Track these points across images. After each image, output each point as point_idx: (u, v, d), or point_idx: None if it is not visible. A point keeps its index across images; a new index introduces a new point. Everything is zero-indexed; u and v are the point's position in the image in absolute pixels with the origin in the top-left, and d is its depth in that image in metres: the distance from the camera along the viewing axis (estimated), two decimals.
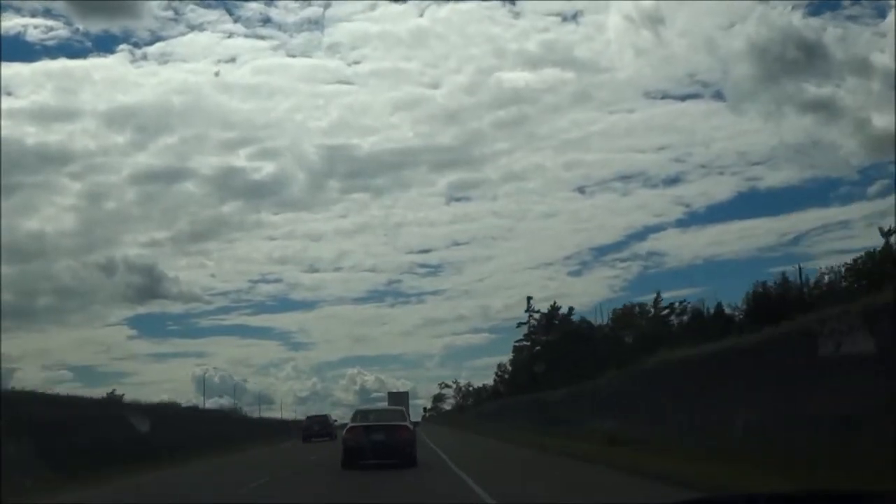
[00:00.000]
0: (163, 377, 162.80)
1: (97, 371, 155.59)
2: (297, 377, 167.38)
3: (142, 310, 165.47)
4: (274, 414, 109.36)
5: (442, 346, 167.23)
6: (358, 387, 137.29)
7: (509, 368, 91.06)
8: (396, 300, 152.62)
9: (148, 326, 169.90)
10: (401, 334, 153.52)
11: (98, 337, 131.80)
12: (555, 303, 77.11)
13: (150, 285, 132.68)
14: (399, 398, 67.99)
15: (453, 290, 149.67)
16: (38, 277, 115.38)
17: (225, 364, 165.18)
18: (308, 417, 57.01)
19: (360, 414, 24.56)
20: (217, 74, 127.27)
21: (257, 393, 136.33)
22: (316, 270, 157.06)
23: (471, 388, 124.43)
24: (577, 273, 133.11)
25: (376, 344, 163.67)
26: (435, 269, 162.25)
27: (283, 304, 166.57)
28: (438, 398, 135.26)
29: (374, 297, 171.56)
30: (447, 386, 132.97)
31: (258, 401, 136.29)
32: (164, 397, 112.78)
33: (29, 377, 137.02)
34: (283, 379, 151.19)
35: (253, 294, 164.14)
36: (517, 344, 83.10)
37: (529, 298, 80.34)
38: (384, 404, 57.48)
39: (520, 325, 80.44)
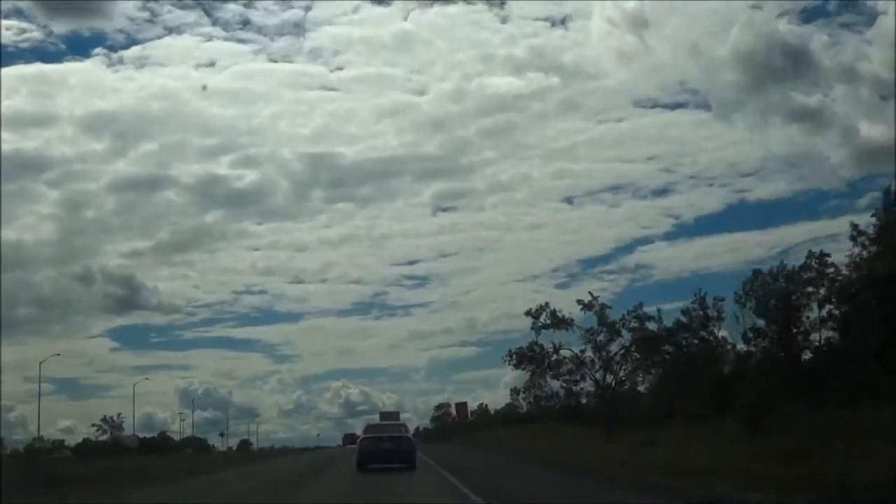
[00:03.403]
0: (147, 390, 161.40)
1: (80, 384, 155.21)
2: (282, 390, 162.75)
3: (124, 321, 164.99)
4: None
5: (428, 359, 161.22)
6: (343, 400, 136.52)
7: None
8: (382, 312, 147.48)
9: (131, 338, 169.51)
10: (387, 347, 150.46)
11: (80, 349, 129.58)
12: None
13: (131, 296, 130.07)
14: (390, 417, 67.40)
15: (440, 302, 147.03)
16: (16, 288, 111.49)
17: (210, 377, 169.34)
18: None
19: (370, 427, 30.28)
20: (205, 88, 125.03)
21: (242, 406, 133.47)
22: (301, 282, 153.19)
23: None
24: (564, 286, 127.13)
25: (362, 357, 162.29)
26: (421, 281, 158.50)
27: (268, 316, 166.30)
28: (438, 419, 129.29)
29: (360, 309, 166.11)
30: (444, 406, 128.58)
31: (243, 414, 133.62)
32: (147, 409, 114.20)
33: (11, 390, 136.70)
34: (268, 392, 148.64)
35: (237, 306, 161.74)
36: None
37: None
38: (375, 417, 58.86)
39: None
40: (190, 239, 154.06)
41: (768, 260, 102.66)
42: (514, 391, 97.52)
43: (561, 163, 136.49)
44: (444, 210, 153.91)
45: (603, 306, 50.05)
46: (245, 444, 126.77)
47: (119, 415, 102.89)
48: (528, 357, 50.82)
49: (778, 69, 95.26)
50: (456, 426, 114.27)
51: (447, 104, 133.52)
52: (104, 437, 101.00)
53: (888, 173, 58.49)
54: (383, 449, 26.80)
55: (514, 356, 51.48)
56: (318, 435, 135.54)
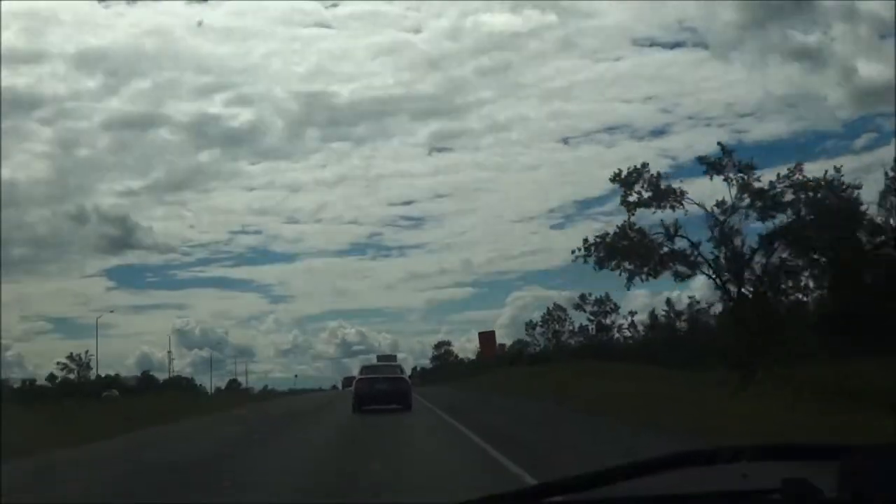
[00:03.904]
0: (142, 329, 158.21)
1: (77, 323, 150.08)
2: (278, 330, 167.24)
3: (119, 261, 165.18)
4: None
5: (424, 300, 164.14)
6: (339, 340, 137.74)
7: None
8: (378, 253, 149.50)
9: (126, 278, 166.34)
10: (383, 288, 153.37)
11: (76, 288, 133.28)
12: None
13: (125, 236, 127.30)
14: (387, 359, 62.45)
15: (435, 243, 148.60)
16: (11, 227, 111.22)
17: (206, 316, 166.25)
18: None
19: (365, 368, 30.06)
20: (200, 24, 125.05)
21: (239, 346, 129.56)
22: (296, 222, 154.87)
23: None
24: (560, 227, 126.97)
25: (358, 297, 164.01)
26: (417, 222, 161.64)
27: (263, 257, 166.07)
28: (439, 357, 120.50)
29: (356, 249, 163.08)
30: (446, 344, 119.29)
31: (240, 354, 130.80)
32: (144, 349, 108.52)
33: (7, 328, 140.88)
34: (264, 332, 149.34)
35: (232, 246, 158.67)
36: None
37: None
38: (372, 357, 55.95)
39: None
40: (184, 178, 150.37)
41: None
42: (530, 325, 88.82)
43: (558, 103, 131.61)
44: (440, 150, 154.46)
45: (747, 166, 31.53)
46: (234, 384, 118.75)
47: (86, 352, 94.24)
48: (621, 250, 32.62)
49: (776, 7, 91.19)
50: (455, 366, 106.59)
51: (443, 42, 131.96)
52: (71, 376, 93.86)
53: (886, 113, 48.96)
54: (379, 390, 26.72)
55: (597, 247, 32.93)
56: (296, 376, 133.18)
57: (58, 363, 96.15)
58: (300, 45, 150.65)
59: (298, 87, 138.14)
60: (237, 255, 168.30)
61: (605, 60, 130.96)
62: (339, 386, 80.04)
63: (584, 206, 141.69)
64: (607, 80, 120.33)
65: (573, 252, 33.75)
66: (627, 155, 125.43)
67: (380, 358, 60.88)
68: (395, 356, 66.95)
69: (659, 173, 32.92)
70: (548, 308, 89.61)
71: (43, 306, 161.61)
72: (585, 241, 33.50)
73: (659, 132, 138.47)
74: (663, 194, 32.04)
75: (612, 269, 32.95)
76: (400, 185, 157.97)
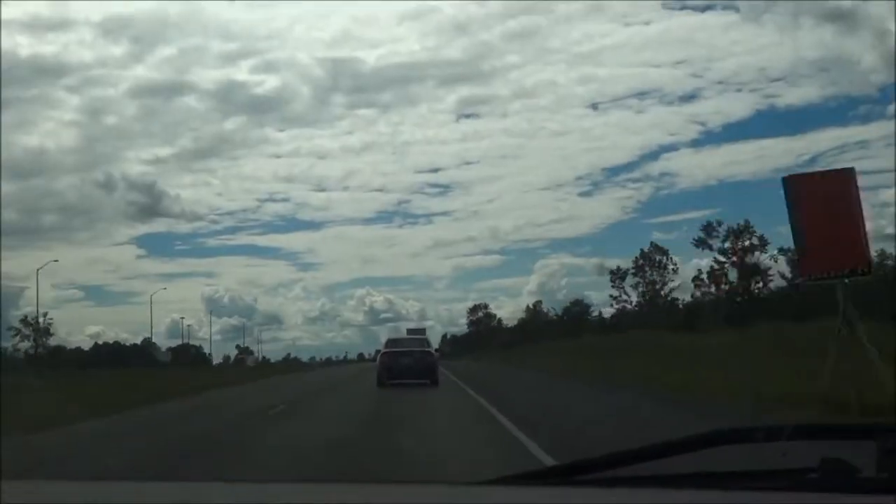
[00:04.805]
0: (173, 297, 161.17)
1: (107, 290, 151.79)
2: (306, 297, 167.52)
3: (147, 229, 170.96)
4: None
5: (451, 267, 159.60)
6: (367, 308, 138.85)
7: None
8: (405, 221, 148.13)
9: (156, 246, 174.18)
10: (410, 255, 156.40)
11: (106, 256, 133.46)
12: None
13: (154, 204, 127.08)
14: (417, 333, 62.25)
15: (462, 210, 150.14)
16: (40, 195, 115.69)
17: (235, 284, 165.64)
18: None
19: (391, 342, 29.10)
20: None
21: (268, 313, 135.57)
22: (323, 189, 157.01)
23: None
24: (587, 194, 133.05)
25: (385, 265, 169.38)
26: (444, 189, 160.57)
27: (291, 224, 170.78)
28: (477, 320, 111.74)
29: (383, 217, 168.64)
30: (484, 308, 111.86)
31: (269, 321, 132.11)
32: (174, 317, 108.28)
33: (40, 296, 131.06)
34: (292, 299, 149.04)
35: (260, 213, 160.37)
36: None
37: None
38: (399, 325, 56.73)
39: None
40: (211, 146, 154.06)
41: (796, 168, 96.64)
42: (617, 273, 73.13)
43: (586, 67, 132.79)
44: (467, 116, 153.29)
45: None
46: (245, 351, 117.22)
47: (46, 315, 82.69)
48: None
49: None
50: (493, 334, 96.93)
51: (470, 6, 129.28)
52: (25, 345, 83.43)
53: None
54: (404, 364, 25.89)
55: None
56: (291, 355, 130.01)
57: (10, 328, 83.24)
58: (325, 10, 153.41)
59: (324, 53, 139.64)
60: (265, 222, 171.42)
61: (635, 24, 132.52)
62: (374, 356, 71.01)
63: (613, 172, 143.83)
64: (636, 43, 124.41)
65: None
66: (656, 120, 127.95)
67: (409, 331, 58.95)
68: (424, 329, 64.09)
69: None
70: (642, 250, 73.36)
71: (74, 274, 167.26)
72: None
73: (689, 97, 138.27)
74: None
75: None
76: (427, 153, 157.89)
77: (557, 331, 74.31)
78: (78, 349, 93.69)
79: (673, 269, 72.55)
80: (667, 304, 70.49)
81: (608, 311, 78.91)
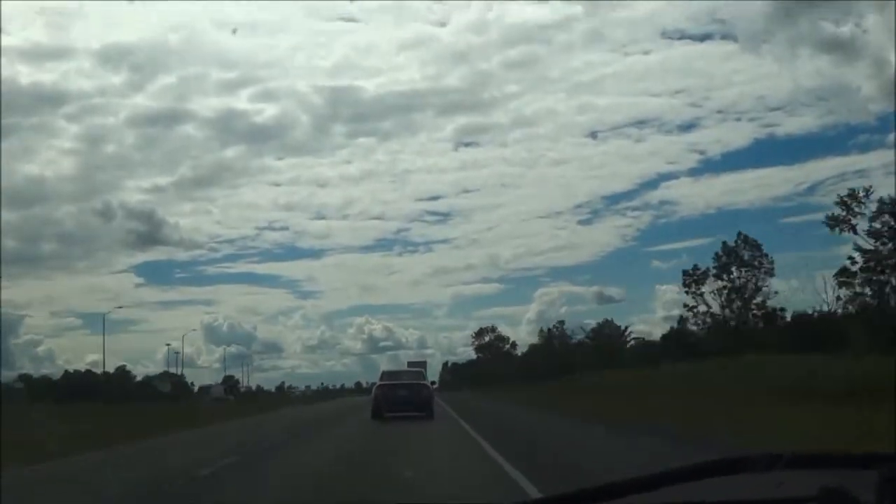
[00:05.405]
0: (171, 325, 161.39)
1: (106, 318, 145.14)
2: (305, 325, 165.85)
3: (146, 257, 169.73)
4: None
5: (451, 295, 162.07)
6: (366, 336, 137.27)
7: None
8: (405, 249, 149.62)
9: (155, 274, 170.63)
10: (409, 283, 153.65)
11: (105, 284, 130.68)
12: None
13: (153, 232, 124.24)
14: (417, 366, 57.76)
15: (462, 238, 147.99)
16: (40, 223, 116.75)
17: (233, 312, 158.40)
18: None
19: (386, 374, 29.63)
20: (234, 32, 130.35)
21: (267, 341, 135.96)
22: (323, 217, 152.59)
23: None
24: (587, 222, 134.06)
25: (385, 293, 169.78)
26: (443, 217, 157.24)
27: (291, 252, 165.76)
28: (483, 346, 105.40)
29: (383, 245, 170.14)
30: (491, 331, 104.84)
31: (268, 349, 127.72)
32: (173, 344, 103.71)
33: (38, 324, 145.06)
34: (291, 327, 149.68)
35: (259, 241, 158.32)
36: None
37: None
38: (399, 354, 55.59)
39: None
40: (211, 174, 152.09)
41: (795, 196, 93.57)
42: (690, 274, 59.29)
43: (586, 96, 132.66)
44: (467, 145, 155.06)
45: None
46: (230, 381, 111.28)
47: None
48: None
49: None
50: (494, 362, 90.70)
51: (469, 35, 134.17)
52: None
53: None
54: (400, 396, 26.22)
55: None
56: (285, 384, 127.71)
57: None
58: (325, 39, 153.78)
59: (324, 82, 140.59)
60: (264, 250, 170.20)
61: (634, 53, 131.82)
62: (370, 387, 61.68)
63: (612, 201, 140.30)
64: (636, 73, 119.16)
65: None
66: (655, 149, 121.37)
67: (410, 364, 55.69)
68: (424, 362, 61.59)
69: None
70: (724, 243, 58.97)
71: (72, 302, 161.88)
72: None
73: (688, 126, 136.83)
74: None
75: None
76: (426, 181, 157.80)
77: (586, 356, 65.90)
78: (45, 377, 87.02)
79: (766, 271, 58.21)
80: (766, 316, 57.40)
81: (656, 332, 71.16)
